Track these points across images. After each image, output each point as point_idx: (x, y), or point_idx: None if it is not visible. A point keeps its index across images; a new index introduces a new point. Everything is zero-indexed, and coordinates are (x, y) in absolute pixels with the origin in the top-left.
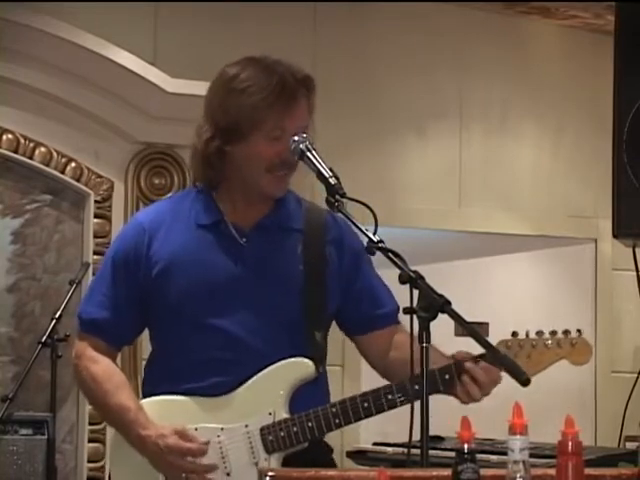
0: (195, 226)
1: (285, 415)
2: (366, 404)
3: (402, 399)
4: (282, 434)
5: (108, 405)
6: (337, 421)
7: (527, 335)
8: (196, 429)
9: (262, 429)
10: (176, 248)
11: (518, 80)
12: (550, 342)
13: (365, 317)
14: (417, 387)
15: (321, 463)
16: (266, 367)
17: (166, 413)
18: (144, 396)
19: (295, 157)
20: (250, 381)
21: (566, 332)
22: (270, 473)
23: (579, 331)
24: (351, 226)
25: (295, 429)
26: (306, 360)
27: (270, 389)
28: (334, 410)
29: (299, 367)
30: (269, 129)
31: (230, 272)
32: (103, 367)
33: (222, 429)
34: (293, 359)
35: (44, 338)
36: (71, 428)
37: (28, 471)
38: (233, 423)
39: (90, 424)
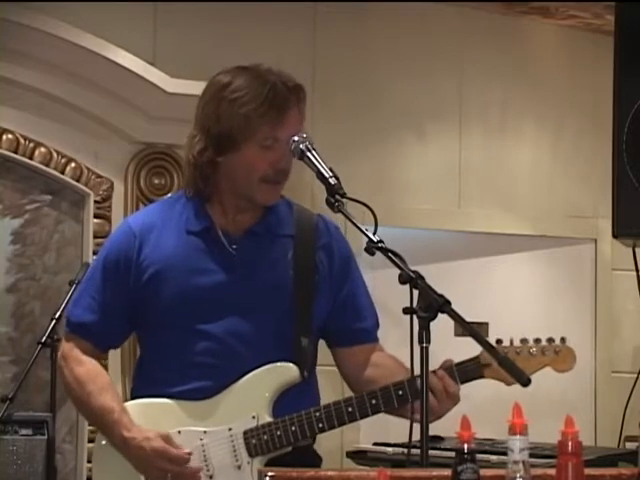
0: (185, 232)
1: (269, 419)
2: (350, 409)
3: (387, 405)
4: (265, 437)
5: (91, 406)
6: (320, 425)
7: (511, 343)
8: (179, 432)
9: (245, 432)
10: (166, 254)
11: (518, 80)
12: (534, 350)
13: (345, 329)
14: (400, 393)
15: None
16: (251, 371)
17: (150, 416)
18: (131, 399)
19: (295, 157)
20: (234, 385)
21: (550, 340)
22: (270, 473)
23: (563, 339)
24: (342, 231)
25: (278, 433)
26: (290, 364)
27: (254, 393)
28: (318, 414)
29: (283, 371)
30: (261, 138)
31: (219, 279)
32: (88, 368)
33: (205, 432)
34: (277, 363)
35: (44, 338)
36: (71, 428)
37: (28, 471)
38: (216, 426)
39: (90, 424)
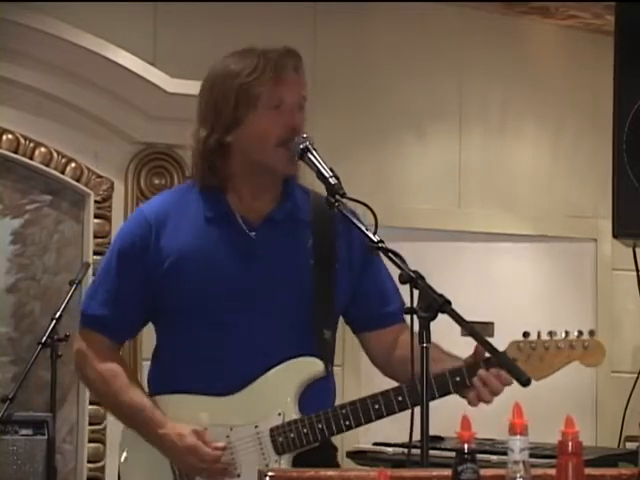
0: (203, 219)
1: (295, 416)
2: (377, 406)
3: (414, 402)
4: (292, 435)
5: (120, 404)
6: (347, 423)
7: (539, 336)
8: (205, 429)
9: (272, 430)
10: (185, 242)
11: (517, 80)
12: (562, 344)
13: (372, 314)
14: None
15: (324, 463)
16: (274, 366)
17: (176, 412)
18: (150, 392)
19: (295, 157)
20: (258, 380)
21: (579, 333)
22: (270, 473)
23: (592, 332)
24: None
25: (305, 430)
26: (314, 359)
27: (279, 389)
28: (344, 412)
29: (308, 366)
30: (267, 101)
31: (240, 267)
32: (110, 365)
33: (231, 429)
34: (302, 358)
35: (44, 338)
36: (71, 428)
37: (28, 471)
38: (242, 423)
39: (90, 424)
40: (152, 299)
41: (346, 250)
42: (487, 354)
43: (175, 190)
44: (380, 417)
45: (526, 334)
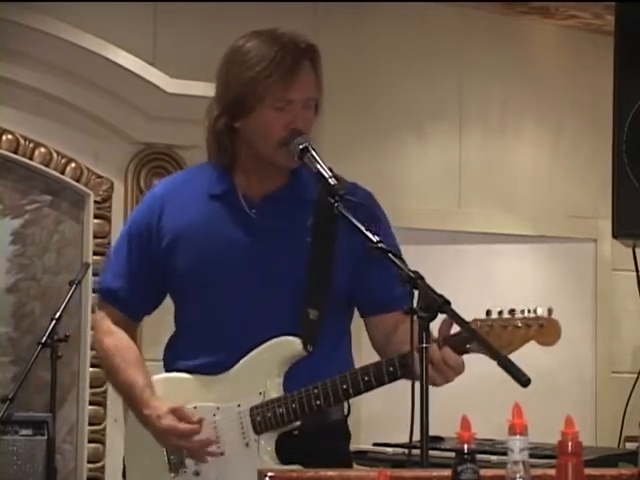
0: (207, 197)
1: (275, 395)
2: (345, 386)
3: (379, 382)
4: (269, 415)
5: (118, 381)
6: (318, 402)
7: (500, 314)
8: (195, 408)
9: (252, 409)
10: (185, 220)
11: (517, 80)
12: (519, 323)
13: (376, 299)
14: (391, 369)
15: (334, 449)
16: (261, 344)
17: (170, 391)
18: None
19: (295, 157)
20: (244, 359)
21: (536, 311)
22: (270, 474)
23: (550, 311)
24: (370, 200)
25: (281, 410)
26: (292, 338)
27: (261, 368)
28: (316, 391)
29: (286, 346)
30: (273, 100)
31: (236, 244)
32: (115, 340)
33: (218, 408)
34: (281, 338)
35: (44, 338)
36: (71, 428)
37: (28, 471)
38: (228, 402)
39: (90, 424)
40: (157, 275)
41: (349, 231)
42: (451, 333)
43: (187, 171)
44: (348, 397)
45: (488, 312)
